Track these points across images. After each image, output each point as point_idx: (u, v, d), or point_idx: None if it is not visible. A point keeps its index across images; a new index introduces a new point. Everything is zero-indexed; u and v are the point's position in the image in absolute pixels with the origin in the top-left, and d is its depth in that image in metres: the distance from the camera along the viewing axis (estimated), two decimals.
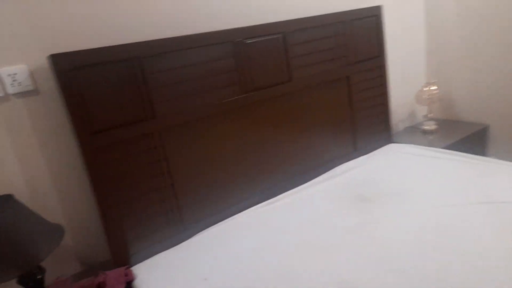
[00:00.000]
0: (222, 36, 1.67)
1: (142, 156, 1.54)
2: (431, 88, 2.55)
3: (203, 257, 1.50)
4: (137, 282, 1.42)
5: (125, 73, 1.46)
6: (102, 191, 1.45)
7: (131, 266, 1.51)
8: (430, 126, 2.61)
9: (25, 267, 1.22)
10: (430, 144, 2.39)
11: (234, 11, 1.87)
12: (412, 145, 2.31)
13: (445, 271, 1.20)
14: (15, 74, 1.40)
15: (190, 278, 1.39)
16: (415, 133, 2.65)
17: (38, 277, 1.31)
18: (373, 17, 2.20)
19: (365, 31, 2.17)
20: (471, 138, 2.51)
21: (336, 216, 1.64)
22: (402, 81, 2.67)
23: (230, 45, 1.69)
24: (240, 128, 1.79)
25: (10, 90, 1.41)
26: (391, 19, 2.45)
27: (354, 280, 1.23)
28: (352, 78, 2.16)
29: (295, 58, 1.90)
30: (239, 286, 1.30)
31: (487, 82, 2.55)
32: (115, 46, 1.44)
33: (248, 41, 1.74)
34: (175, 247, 1.60)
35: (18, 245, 1.20)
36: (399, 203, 1.66)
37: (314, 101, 2.03)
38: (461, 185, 1.73)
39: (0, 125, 1.42)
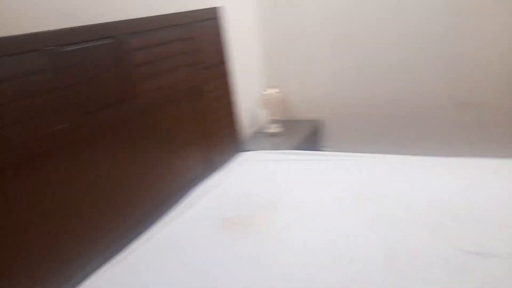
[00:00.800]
0: (26, 42, 1.16)
1: None
2: (272, 91, 2.56)
3: None
4: None
5: None
6: None
7: None
8: (274, 129, 2.62)
9: None
10: (278, 147, 2.40)
11: (44, 9, 1.35)
12: (263, 151, 2.27)
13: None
14: None
15: None
16: (262, 138, 2.63)
17: None
18: (214, 19, 2.01)
19: (208, 35, 1.96)
20: (312, 135, 2.66)
21: (211, 257, 1.35)
22: (245, 86, 2.59)
23: (41, 55, 1.20)
24: (66, 172, 1.30)
25: None
26: (230, 22, 2.32)
27: None
28: (200, 88, 1.92)
29: (135, 69, 1.53)
30: None
31: (318, 81, 2.73)
32: None
33: (68, 49, 1.28)
34: None
35: None
36: (272, 219, 1.54)
37: (161, 119, 1.70)
38: (329, 183, 1.77)
39: None
